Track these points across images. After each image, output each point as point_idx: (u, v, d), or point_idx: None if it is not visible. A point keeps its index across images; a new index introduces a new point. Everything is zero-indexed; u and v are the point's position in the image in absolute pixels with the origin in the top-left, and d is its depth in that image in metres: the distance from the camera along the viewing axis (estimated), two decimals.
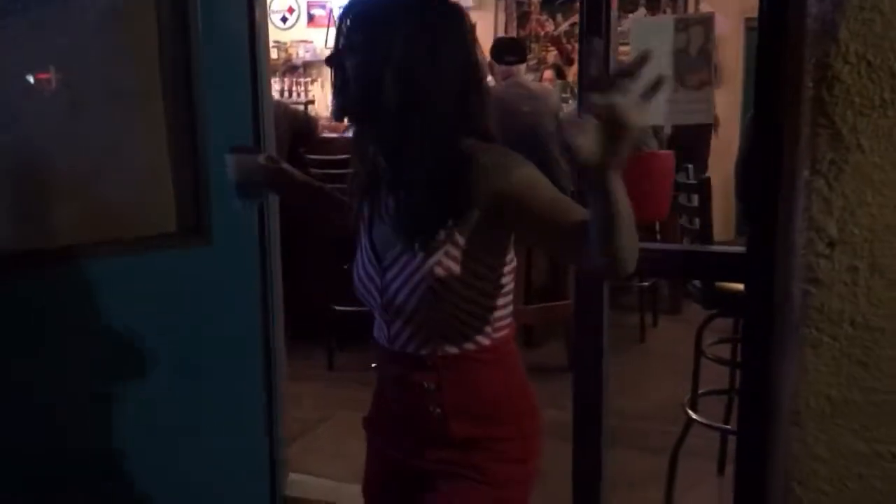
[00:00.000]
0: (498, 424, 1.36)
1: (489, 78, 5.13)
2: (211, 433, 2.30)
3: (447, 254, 1.26)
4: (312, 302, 3.60)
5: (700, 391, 2.45)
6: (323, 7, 7.78)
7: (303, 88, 7.79)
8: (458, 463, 1.34)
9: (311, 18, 7.84)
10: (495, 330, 1.34)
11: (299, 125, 4.33)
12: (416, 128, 1.23)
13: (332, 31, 1.34)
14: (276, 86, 7.64)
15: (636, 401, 3.26)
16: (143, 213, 2.27)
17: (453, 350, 1.32)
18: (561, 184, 2.19)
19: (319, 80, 7.70)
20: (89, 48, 2.16)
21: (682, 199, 2.72)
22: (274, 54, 7.73)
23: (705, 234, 2.32)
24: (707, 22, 1.76)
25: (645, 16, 6.52)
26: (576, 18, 7.82)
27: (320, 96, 7.59)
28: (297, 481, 2.56)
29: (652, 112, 1.90)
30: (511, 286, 1.37)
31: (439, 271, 1.26)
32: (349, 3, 1.30)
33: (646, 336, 4.18)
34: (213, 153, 2.18)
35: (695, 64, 1.75)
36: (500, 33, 8.92)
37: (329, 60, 1.30)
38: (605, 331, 2.01)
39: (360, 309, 1.48)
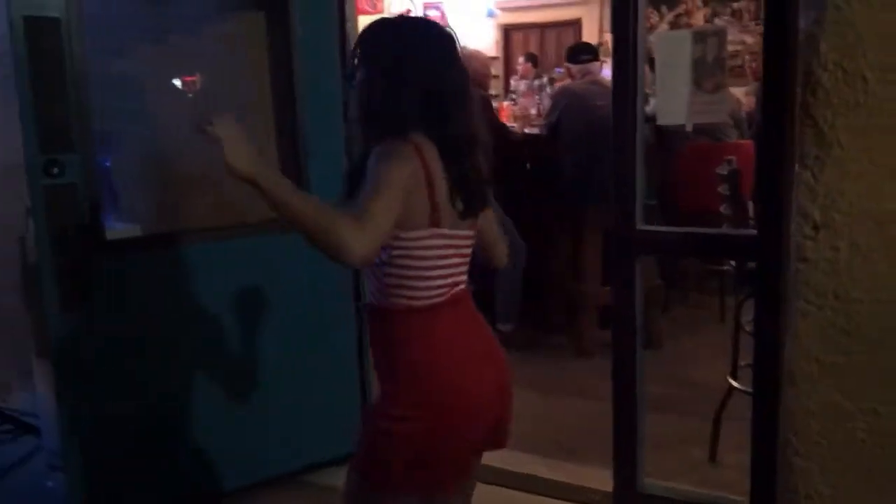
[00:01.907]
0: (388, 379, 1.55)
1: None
2: (316, 387, 2.73)
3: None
4: None
5: (742, 364, 2.66)
6: (437, 8, 8.13)
7: None
8: None
9: None
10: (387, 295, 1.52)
11: None
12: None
13: None
14: None
15: (705, 373, 3.48)
16: (256, 203, 2.71)
17: (372, 301, 1.56)
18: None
19: None
20: (221, 66, 2.62)
21: (723, 188, 2.91)
22: None
23: (738, 220, 2.52)
24: (720, 34, 2.00)
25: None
26: (681, 9, 7.87)
27: None
28: None
29: (676, 112, 2.17)
30: (410, 265, 1.49)
31: None
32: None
33: (725, 316, 4.33)
34: (312, 154, 2.61)
35: (711, 70, 1.99)
36: (606, 26, 9.05)
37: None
38: (638, 313, 2.27)
39: None
